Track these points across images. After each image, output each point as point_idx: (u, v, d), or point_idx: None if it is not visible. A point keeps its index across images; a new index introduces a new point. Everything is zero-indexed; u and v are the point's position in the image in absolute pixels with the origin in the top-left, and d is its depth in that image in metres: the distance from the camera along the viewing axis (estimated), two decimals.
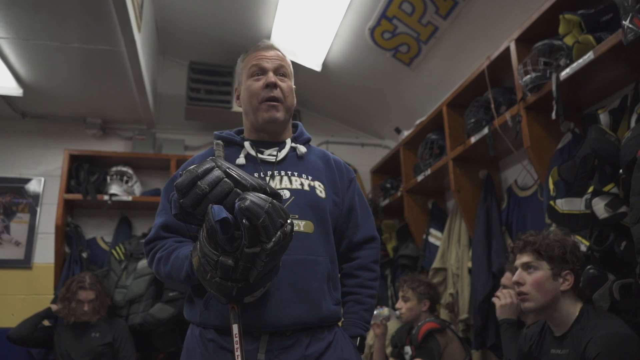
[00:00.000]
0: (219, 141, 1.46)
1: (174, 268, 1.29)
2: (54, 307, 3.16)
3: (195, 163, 1.46)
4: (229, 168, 1.16)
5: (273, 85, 1.45)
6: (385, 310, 2.81)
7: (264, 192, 1.15)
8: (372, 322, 2.71)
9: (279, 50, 1.55)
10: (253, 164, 1.44)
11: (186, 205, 1.13)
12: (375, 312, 2.77)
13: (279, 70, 1.49)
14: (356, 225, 1.53)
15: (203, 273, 1.15)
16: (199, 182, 1.12)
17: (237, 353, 1.17)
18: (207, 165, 1.15)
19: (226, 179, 1.13)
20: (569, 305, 1.71)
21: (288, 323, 1.29)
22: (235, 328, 1.19)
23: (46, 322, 3.21)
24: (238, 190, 1.13)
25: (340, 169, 1.57)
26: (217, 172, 1.14)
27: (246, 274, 1.12)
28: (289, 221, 1.13)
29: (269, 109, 1.45)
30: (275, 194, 1.16)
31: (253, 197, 1.09)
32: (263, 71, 1.48)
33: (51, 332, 3.16)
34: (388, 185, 3.97)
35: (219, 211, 1.08)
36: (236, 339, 1.18)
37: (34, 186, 3.88)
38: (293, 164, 1.47)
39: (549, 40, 2.16)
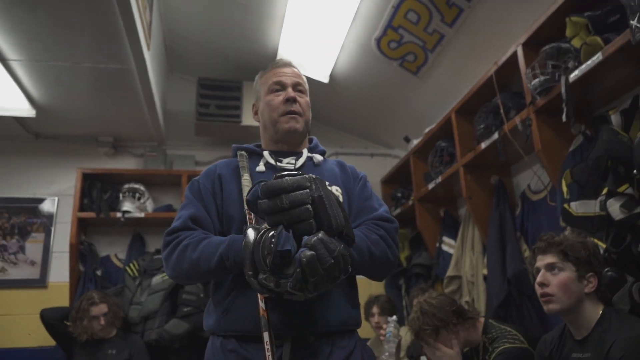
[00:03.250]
0: (243, 152, 1.50)
1: (204, 254, 1.28)
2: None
3: (218, 170, 1.49)
4: (320, 196, 1.12)
5: (293, 100, 1.51)
6: (393, 330, 2.75)
7: (340, 234, 1.13)
8: (393, 349, 2.67)
9: (296, 68, 1.62)
10: (272, 171, 1.46)
11: (262, 208, 1.13)
12: (389, 343, 2.72)
13: (297, 87, 1.56)
14: (373, 208, 1.49)
15: (246, 266, 1.13)
16: (283, 196, 1.11)
17: None
18: (301, 182, 1.13)
19: (308, 207, 1.11)
20: (591, 308, 1.69)
21: (311, 325, 1.28)
22: (266, 336, 1.18)
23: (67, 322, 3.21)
24: (313, 223, 1.11)
25: (354, 172, 1.60)
26: (304, 194, 1.11)
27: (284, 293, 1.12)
28: (343, 275, 1.13)
29: (289, 120, 1.51)
30: (349, 239, 1.16)
31: (320, 248, 1.07)
32: (283, 87, 1.54)
33: (71, 341, 3.15)
34: (399, 195, 3.96)
35: (285, 240, 1.08)
36: (267, 346, 1.17)
37: (47, 206, 3.92)
38: (311, 170, 1.50)
39: (556, 43, 2.15)
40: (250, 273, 1.11)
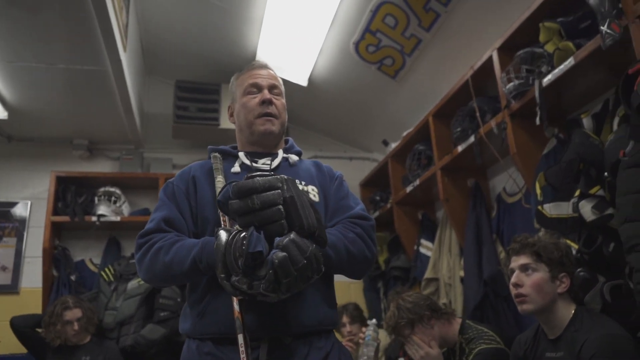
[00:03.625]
0: (217, 154, 1.49)
1: (177, 257, 1.26)
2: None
3: (192, 171, 1.48)
4: (292, 197, 1.12)
5: (269, 102, 1.51)
6: (372, 333, 2.74)
7: (312, 235, 1.13)
8: (372, 353, 2.67)
9: (272, 70, 1.61)
10: (248, 172, 1.45)
11: (233, 209, 1.12)
12: (368, 346, 2.70)
13: (273, 89, 1.55)
14: (349, 207, 1.49)
15: (218, 269, 1.12)
16: (254, 196, 1.10)
17: None
18: (272, 182, 1.13)
19: (279, 207, 1.11)
20: (564, 307, 1.72)
21: (287, 325, 1.28)
22: (240, 338, 1.18)
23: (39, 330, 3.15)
24: (284, 223, 1.11)
25: (330, 172, 1.61)
26: (275, 195, 1.11)
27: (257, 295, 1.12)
28: (316, 275, 1.13)
29: (265, 122, 1.50)
30: (321, 240, 1.16)
31: (292, 248, 1.07)
32: (259, 88, 1.54)
33: (43, 348, 3.09)
34: (377, 198, 3.98)
35: (256, 242, 1.07)
36: (242, 348, 1.16)
37: (20, 210, 3.84)
38: (286, 171, 1.50)
39: (530, 48, 2.20)
40: (222, 276, 1.11)
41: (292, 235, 1.09)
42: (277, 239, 1.09)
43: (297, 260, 1.06)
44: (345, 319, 3.20)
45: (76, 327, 3.02)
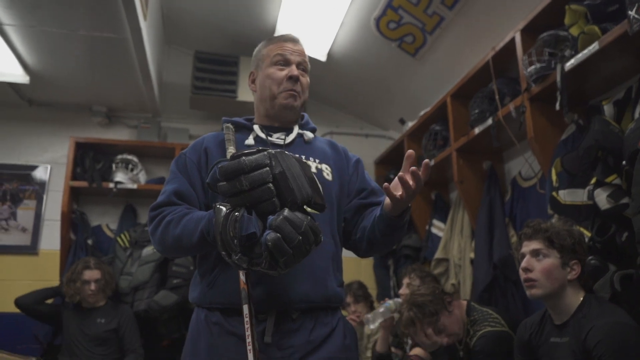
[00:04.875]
0: (229, 125, 1.49)
1: (186, 230, 1.27)
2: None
3: (205, 143, 1.48)
4: (282, 172, 1.10)
5: (296, 78, 1.49)
6: (392, 305, 2.79)
7: (309, 204, 1.11)
8: (381, 319, 2.70)
9: (302, 46, 1.58)
10: (262, 145, 1.46)
11: (222, 191, 1.11)
12: (383, 310, 2.74)
13: (301, 65, 1.53)
14: (380, 191, 1.53)
15: (219, 247, 1.12)
16: (242, 177, 1.09)
17: (248, 333, 1.17)
18: (260, 160, 1.10)
19: (269, 186, 1.09)
20: (573, 294, 1.73)
21: (294, 300, 1.30)
22: (245, 309, 1.19)
23: (49, 300, 3.27)
24: (276, 201, 1.09)
25: (346, 153, 1.61)
26: (264, 173, 1.09)
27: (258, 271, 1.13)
28: (314, 245, 1.12)
29: (288, 97, 1.49)
30: (318, 206, 1.14)
31: (285, 227, 1.06)
32: (287, 63, 1.51)
33: (59, 311, 3.20)
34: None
35: (248, 223, 1.06)
36: (246, 319, 1.18)
37: (40, 173, 3.92)
38: (301, 147, 1.50)
39: (554, 30, 2.15)
40: (223, 253, 1.11)
41: (285, 212, 1.08)
42: (270, 218, 1.08)
43: (291, 238, 1.06)
44: (348, 299, 3.22)
45: (93, 287, 3.11)
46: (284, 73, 1.49)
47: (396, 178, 1.20)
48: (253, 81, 1.58)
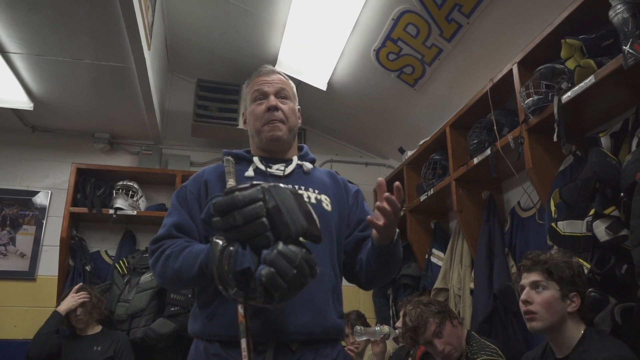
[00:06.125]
0: (229, 157, 1.51)
1: (185, 264, 1.28)
2: (61, 307, 3.14)
3: (205, 175, 1.50)
4: (276, 206, 1.09)
5: (274, 108, 1.52)
6: (385, 328, 2.81)
7: (304, 236, 1.10)
8: (372, 339, 2.72)
9: (280, 74, 1.62)
10: (261, 177, 1.47)
11: (216, 227, 1.11)
12: (376, 329, 2.77)
13: (280, 93, 1.56)
14: None
15: (216, 281, 1.12)
16: (235, 212, 1.08)
17: None
18: (253, 195, 1.09)
19: (263, 220, 1.08)
20: (573, 327, 1.72)
21: (293, 331, 1.29)
22: (243, 342, 1.18)
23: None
24: (270, 235, 1.08)
25: (345, 184, 1.63)
26: (257, 208, 1.08)
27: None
28: (310, 278, 1.11)
29: (272, 129, 1.52)
30: (314, 237, 1.13)
31: (279, 261, 1.04)
32: (264, 95, 1.55)
33: (59, 342, 3.15)
34: None
35: (242, 259, 1.06)
36: (244, 352, 1.17)
37: (40, 199, 3.92)
38: (300, 178, 1.52)
39: (550, 64, 2.19)
40: (220, 287, 1.11)
41: (280, 246, 1.06)
42: (264, 253, 1.07)
43: (286, 273, 1.04)
44: (347, 329, 3.15)
45: (79, 312, 3.10)
46: (263, 107, 1.53)
47: (375, 209, 1.25)
48: (245, 121, 1.63)
